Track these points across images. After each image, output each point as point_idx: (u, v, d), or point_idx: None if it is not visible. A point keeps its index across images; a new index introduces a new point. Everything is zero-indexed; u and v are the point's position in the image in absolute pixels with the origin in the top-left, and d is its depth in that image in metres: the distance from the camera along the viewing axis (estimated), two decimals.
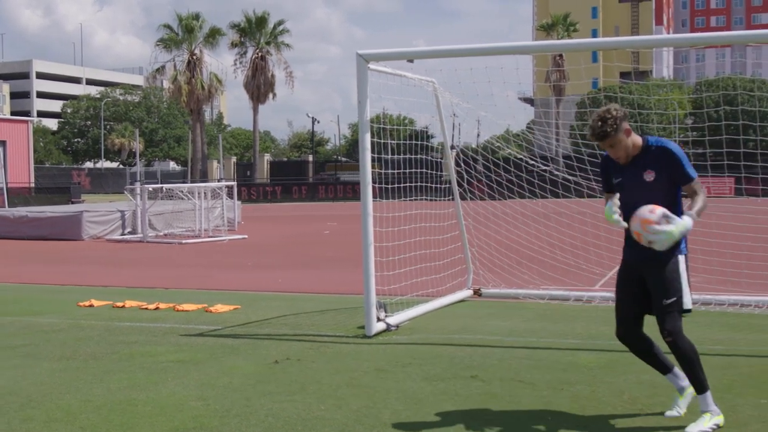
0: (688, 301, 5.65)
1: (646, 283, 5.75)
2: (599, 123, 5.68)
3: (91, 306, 11.62)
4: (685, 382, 5.87)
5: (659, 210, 5.48)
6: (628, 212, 5.64)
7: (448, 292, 11.41)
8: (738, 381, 6.83)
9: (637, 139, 5.79)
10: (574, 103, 76.14)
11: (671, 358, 5.83)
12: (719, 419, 5.60)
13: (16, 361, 8.14)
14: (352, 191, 56.32)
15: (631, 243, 5.77)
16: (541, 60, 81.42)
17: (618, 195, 5.77)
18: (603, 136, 5.68)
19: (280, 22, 71.36)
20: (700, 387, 5.65)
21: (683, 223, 5.45)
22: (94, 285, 14.18)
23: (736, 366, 7.36)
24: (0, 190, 41.53)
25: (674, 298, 5.61)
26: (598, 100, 56.98)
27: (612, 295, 11.04)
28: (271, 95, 69.92)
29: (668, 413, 5.89)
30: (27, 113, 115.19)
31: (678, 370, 5.85)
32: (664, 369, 5.93)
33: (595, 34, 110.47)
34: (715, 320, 9.68)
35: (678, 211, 5.64)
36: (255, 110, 69.94)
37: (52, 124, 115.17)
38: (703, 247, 13.03)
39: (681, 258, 5.70)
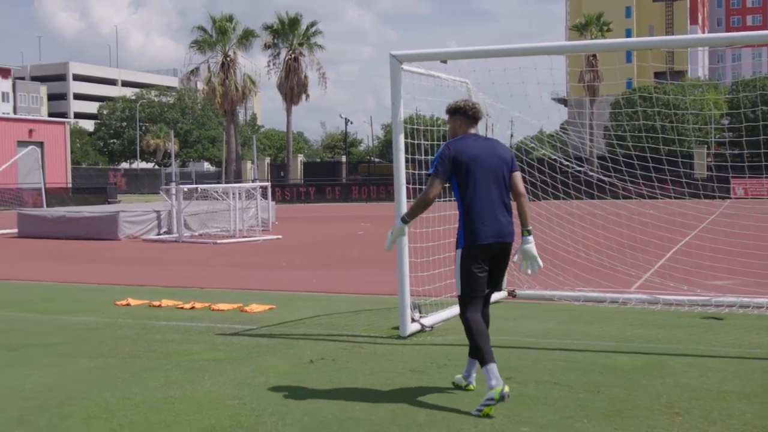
0: (457, 289, 6.53)
1: None
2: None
3: (127, 305, 11.74)
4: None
5: None
6: None
7: None
8: None
9: (462, 132, 6.82)
10: (608, 104, 75.79)
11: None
12: (495, 392, 6.00)
13: (54, 359, 8.24)
14: (386, 192, 56.33)
15: None
16: (574, 60, 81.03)
17: None
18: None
19: (312, 24, 71.53)
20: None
21: (395, 227, 6.89)
22: (130, 284, 14.32)
23: None
24: (38, 190, 41.97)
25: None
26: (632, 100, 56.58)
27: (649, 297, 11.04)
28: (304, 96, 70.12)
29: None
30: (64, 115, 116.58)
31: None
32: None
33: (629, 34, 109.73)
34: (754, 323, 9.58)
35: (458, 205, 6.64)
36: (288, 111, 70.14)
37: (88, 125, 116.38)
38: (740, 249, 12.93)
39: (458, 251, 6.54)
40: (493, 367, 6.11)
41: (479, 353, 6.22)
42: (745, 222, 14.74)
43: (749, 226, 11.88)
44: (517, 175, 6.74)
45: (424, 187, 6.78)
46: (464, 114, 6.79)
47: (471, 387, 6.76)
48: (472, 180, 6.47)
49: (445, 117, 6.98)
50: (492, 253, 6.49)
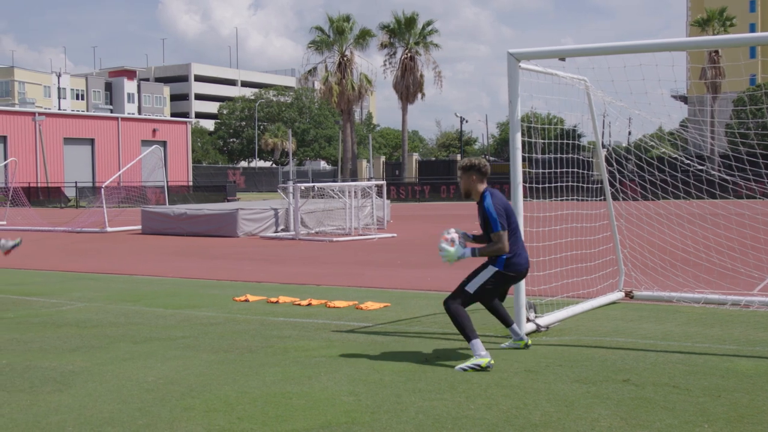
0: (469, 290, 7.94)
1: None
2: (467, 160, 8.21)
3: (246, 301, 11.99)
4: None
5: (453, 232, 8.00)
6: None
7: (599, 293, 11.23)
8: None
9: (480, 188, 8.09)
10: (730, 101, 73.63)
11: None
12: (482, 361, 7.47)
13: (176, 352, 8.49)
14: (501, 191, 55.76)
15: None
16: (695, 57, 78.99)
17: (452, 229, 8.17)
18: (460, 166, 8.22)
19: (429, 23, 71.65)
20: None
21: (462, 251, 7.86)
22: (248, 280, 14.62)
23: None
24: (161, 188, 43.23)
25: (466, 282, 7.97)
26: (756, 97, 54.83)
27: None
28: (419, 95, 70.36)
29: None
30: (186, 114, 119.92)
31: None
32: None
33: (753, 29, 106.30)
34: None
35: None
36: (404, 110, 70.45)
37: (209, 124, 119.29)
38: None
39: (490, 267, 7.93)
40: (478, 342, 7.57)
41: (467, 332, 7.63)
42: None
43: None
44: None
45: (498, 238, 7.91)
46: (479, 171, 8.06)
47: (528, 342, 8.50)
48: (513, 225, 8.04)
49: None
50: (518, 278, 8.13)
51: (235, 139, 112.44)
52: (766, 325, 9.51)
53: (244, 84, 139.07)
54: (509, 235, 7.90)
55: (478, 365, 7.43)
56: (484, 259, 8.02)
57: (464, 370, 7.44)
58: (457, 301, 7.87)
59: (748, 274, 12.65)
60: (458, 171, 8.17)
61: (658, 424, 5.79)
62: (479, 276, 7.95)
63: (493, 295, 8.18)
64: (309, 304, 11.52)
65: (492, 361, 7.49)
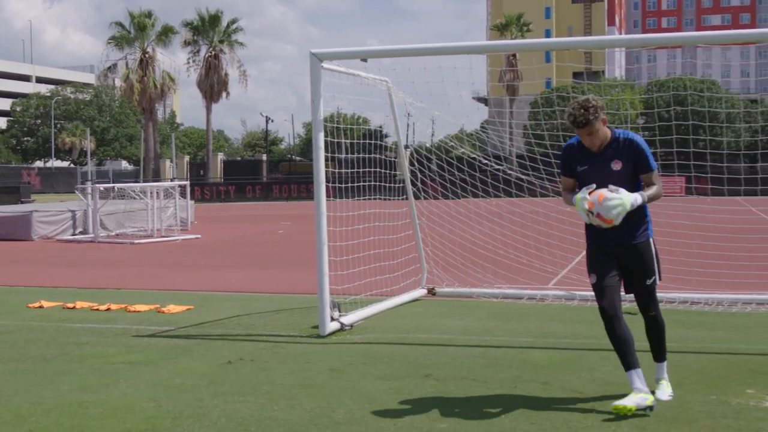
0: (659, 275, 6.32)
1: (622, 266, 6.23)
2: (582, 111, 6.00)
3: (40, 307, 11.45)
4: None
5: (609, 187, 5.93)
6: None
7: (402, 291, 11.41)
8: (688, 378, 6.90)
9: (607, 130, 6.14)
10: (527, 103, 76.66)
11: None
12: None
13: None
14: (306, 191, 56.20)
15: (601, 231, 6.12)
16: (495, 60, 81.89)
17: (594, 185, 6.03)
18: (584, 123, 6.01)
19: (233, 21, 71.18)
20: (663, 355, 6.41)
21: (632, 195, 5.94)
22: (43, 286, 13.99)
23: (686, 363, 7.44)
24: None
25: (653, 278, 6.26)
26: (551, 99, 57.36)
27: (566, 293, 11.20)
28: (224, 94, 69.74)
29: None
30: None
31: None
32: (631, 364, 6.05)
33: (548, 35, 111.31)
34: (666, 318, 9.67)
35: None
36: (208, 109, 69.57)
37: (0, 122, 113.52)
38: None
39: (651, 241, 6.25)
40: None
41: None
42: (658, 219, 15.01)
43: (662, 223, 12.10)
44: None
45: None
46: (602, 109, 6.14)
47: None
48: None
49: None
50: None
51: (29, 138, 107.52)
52: (560, 318, 9.93)
53: (40, 80, 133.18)
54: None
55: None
56: (643, 231, 6.23)
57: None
58: (656, 301, 6.43)
59: (542, 269, 13.19)
60: (586, 127, 6.00)
61: (457, 417, 5.91)
62: (651, 257, 6.26)
63: None
64: (108, 309, 11.13)
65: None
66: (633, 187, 6.08)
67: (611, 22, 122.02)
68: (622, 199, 5.89)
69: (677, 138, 13.45)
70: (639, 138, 6.18)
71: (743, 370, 7.18)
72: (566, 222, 15.34)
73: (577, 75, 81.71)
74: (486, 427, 5.70)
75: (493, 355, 7.93)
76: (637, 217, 6.12)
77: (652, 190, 6.10)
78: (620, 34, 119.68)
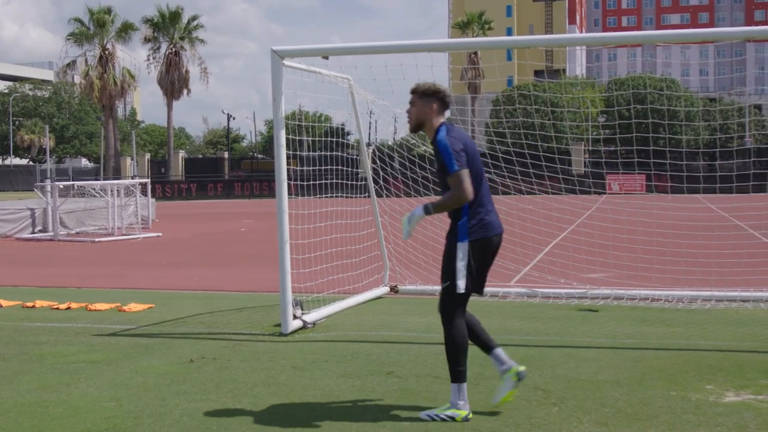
0: (461, 285, 5.94)
1: None
2: (419, 85, 6.14)
3: None
4: (504, 365, 6.09)
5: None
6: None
7: (364, 289, 11.42)
8: (648, 374, 6.98)
9: (437, 121, 6.10)
10: (489, 101, 77.05)
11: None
12: (458, 413, 5.82)
13: None
14: (269, 188, 56.01)
15: None
16: (456, 58, 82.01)
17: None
18: (412, 91, 6.15)
19: (194, 17, 70.67)
20: (456, 376, 5.94)
21: (416, 209, 5.97)
22: (2, 285, 13.82)
23: (647, 359, 7.53)
24: None
25: (447, 283, 6.00)
26: (512, 98, 57.63)
27: (528, 290, 11.28)
28: (185, 91, 69.22)
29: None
30: None
31: (499, 351, 6.14)
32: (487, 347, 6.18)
33: (510, 33, 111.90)
34: (627, 314, 9.88)
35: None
36: (169, 106, 69.06)
37: None
38: (614, 243, 13.30)
39: (459, 245, 5.94)
40: (464, 388, 5.92)
41: (458, 368, 5.92)
42: (619, 216, 15.19)
43: (622, 220, 12.26)
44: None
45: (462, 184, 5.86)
46: (442, 100, 6.10)
47: (520, 368, 6.06)
48: (475, 172, 5.94)
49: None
50: (494, 245, 6.09)
51: None
52: (521, 315, 9.99)
53: None
54: (472, 182, 5.90)
55: (452, 417, 5.81)
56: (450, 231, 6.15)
57: (432, 418, 5.83)
58: (452, 315, 6.08)
59: (504, 267, 13.24)
60: (412, 95, 6.14)
61: (420, 413, 5.92)
62: (452, 260, 6.00)
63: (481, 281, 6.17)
64: (68, 308, 11.02)
65: (470, 415, 5.86)
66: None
67: (572, 21, 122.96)
68: (406, 215, 6.04)
69: (637, 136, 13.59)
70: (443, 138, 5.93)
71: (703, 366, 7.26)
72: (528, 220, 15.45)
73: (538, 73, 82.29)
74: (448, 424, 5.72)
75: None
76: (453, 220, 6.05)
77: (441, 198, 5.97)
78: (581, 32, 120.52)
